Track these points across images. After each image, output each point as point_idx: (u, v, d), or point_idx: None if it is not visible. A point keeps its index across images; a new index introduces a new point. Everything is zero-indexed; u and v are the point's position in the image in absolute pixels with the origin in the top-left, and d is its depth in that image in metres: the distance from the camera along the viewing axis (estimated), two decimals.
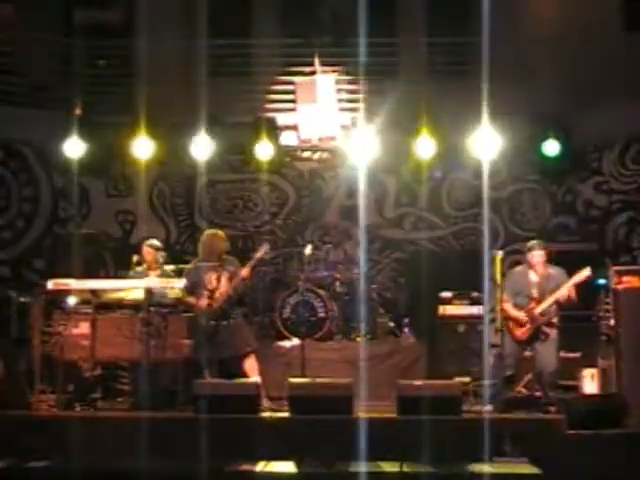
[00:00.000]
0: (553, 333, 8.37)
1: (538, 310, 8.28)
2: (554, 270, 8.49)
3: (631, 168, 10.64)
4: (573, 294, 8.37)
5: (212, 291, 8.37)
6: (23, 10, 11.27)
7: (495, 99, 10.78)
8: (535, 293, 8.36)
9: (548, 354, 8.31)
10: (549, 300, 8.29)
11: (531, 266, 8.47)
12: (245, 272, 8.45)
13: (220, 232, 8.79)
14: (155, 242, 9.08)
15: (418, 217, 11.40)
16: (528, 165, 11.22)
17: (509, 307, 8.36)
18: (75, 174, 11.24)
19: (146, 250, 8.94)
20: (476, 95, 11.13)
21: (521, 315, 8.31)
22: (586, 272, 8.26)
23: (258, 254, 8.55)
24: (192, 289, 8.40)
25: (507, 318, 8.35)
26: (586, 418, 7.17)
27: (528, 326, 8.29)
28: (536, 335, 8.31)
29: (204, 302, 8.36)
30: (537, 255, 8.47)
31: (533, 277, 8.45)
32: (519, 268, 8.63)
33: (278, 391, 8.39)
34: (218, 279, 8.41)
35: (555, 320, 8.39)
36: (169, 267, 9.13)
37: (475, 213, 11.37)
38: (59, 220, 11.24)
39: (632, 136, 10.59)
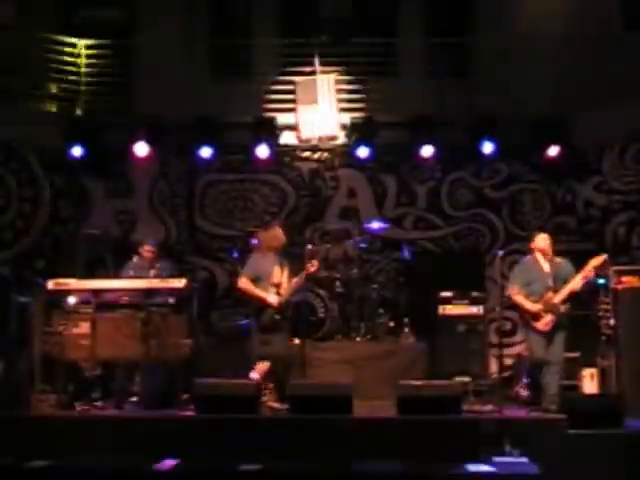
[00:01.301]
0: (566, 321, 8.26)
1: (557, 299, 8.09)
2: (561, 259, 8.34)
3: (631, 168, 10.64)
4: (599, 264, 8.15)
5: (278, 285, 8.36)
6: (24, 10, 11.27)
7: (495, 99, 10.82)
8: (550, 282, 8.18)
9: (560, 345, 8.19)
10: (567, 288, 8.09)
11: (542, 251, 8.27)
12: (313, 268, 8.43)
13: (279, 228, 8.72)
14: (151, 241, 9.15)
15: (418, 217, 11.41)
16: (528, 165, 11.23)
17: (522, 299, 8.20)
18: (75, 174, 11.27)
19: (146, 249, 8.99)
20: (476, 95, 11.18)
21: (537, 307, 8.12)
22: (603, 256, 8.12)
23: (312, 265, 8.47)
24: (254, 280, 8.36)
25: (524, 311, 8.21)
26: (586, 418, 7.16)
27: (550, 316, 8.09)
28: (560, 327, 8.14)
29: (274, 296, 8.32)
30: (545, 237, 8.33)
31: (545, 266, 8.27)
32: (528, 257, 8.42)
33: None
34: (282, 274, 8.41)
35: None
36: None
37: (475, 213, 11.38)
38: (59, 220, 11.25)
39: (632, 136, 10.58)
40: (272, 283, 8.36)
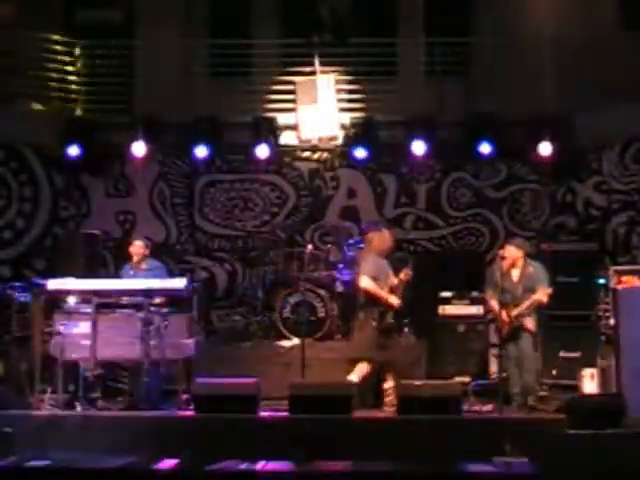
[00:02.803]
0: (529, 332, 8.34)
1: (514, 313, 8.28)
2: (532, 267, 8.46)
3: (631, 168, 10.62)
4: (545, 300, 8.35)
5: (392, 288, 8.37)
6: (23, 10, 11.27)
7: (495, 99, 10.82)
8: (519, 292, 8.35)
9: (528, 344, 8.30)
10: (523, 305, 8.29)
11: (511, 261, 8.39)
12: (406, 276, 8.43)
13: (389, 231, 8.76)
14: (140, 239, 9.15)
15: (418, 217, 11.41)
16: (528, 165, 11.23)
17: (495, 305, 8.33)
18: (75, 174, 11.27)
19: (136, 244, 9.01)
20: (475, 95, 11.18)
21: (503, 315, 8.28)
22: (545, 297, 8.27)
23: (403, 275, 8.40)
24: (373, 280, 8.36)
25: (496, 316, 8.36)
26: (586, 418, 7.16)
27: (507, 327, 8.29)
28: (513, 334, 8.29)
29: (395, 298, 8.34)
30: (515, 248, 8.44)
31: (514, 276, 8.42)
32: (500, 265, 8.45)
33: (278, 391, 8.40)
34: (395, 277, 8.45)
35: (529, 321, 8.36)
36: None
37: (475, 213, 11.38)
38: (59, 220, 11.25)
39: (632, 136, 10.57)
40: (389, 286, 8.35)
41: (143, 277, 8.73)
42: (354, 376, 8.16)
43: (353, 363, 8.31)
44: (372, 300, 8.33)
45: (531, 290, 8.34)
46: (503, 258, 8.42)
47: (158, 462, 6.76)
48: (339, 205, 11.48)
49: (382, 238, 8.56)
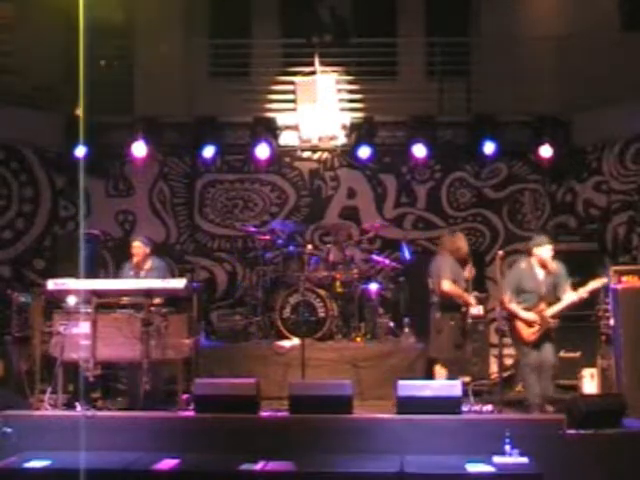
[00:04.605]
0: (552, 339, 8.22)
1: (549, 313, 8.00)
2: (556, 265, 8.16)
3: (631, 168, 10.62)
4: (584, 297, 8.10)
5: (466, 290, 8.53)
6: (23, 10, 11.26)
7: (495, 99, 10.83)
8: (544, 290, 8.08)
9: (551, 352, 8.15)
10: (561, 304, 8.02)
11: (541, 262, 8.08)
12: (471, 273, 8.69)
13: (464, 237, 8.83)
14: (139, 239, 9.10)
15: (418, 217, 11.42)
16: (528, 165, 11.24)
17: (515, 307, 8.09)
18: (75, 174, 11.26)
19: (135, 245, 8.97)
20: (476, 95, 11.19)
21: (531, 316, 8.03)
22: (604, 280, 8.07)
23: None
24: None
25: (514, 318, 8.11)
26: (586, 418, 7.16)
27: (538, 327, 8.02)
28: (545, 336, 8.07)
29: (473, 298, 8.53)
30: (549, 250, 8.11)
31: (540, 274, 8.12)
32: (523, 265, 8.21)
33: (278, 391, 8.40)
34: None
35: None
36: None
37: (475, 213, 11.39)
38: (59, 220, 11.24)
39: (632, 136, 10.58)
40: (464, 288, 8.52)
41: (144, 277, 8.72)
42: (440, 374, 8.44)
43: (431, 363, 8.61)
44: (451, 301, 8.49)
45: (555, 287, 8.09)
46: (531, 255, 8.15)
47: (158, 462, 6.77)
48: (339, 205, 11.49)
49: (457, 241, 8.65)
